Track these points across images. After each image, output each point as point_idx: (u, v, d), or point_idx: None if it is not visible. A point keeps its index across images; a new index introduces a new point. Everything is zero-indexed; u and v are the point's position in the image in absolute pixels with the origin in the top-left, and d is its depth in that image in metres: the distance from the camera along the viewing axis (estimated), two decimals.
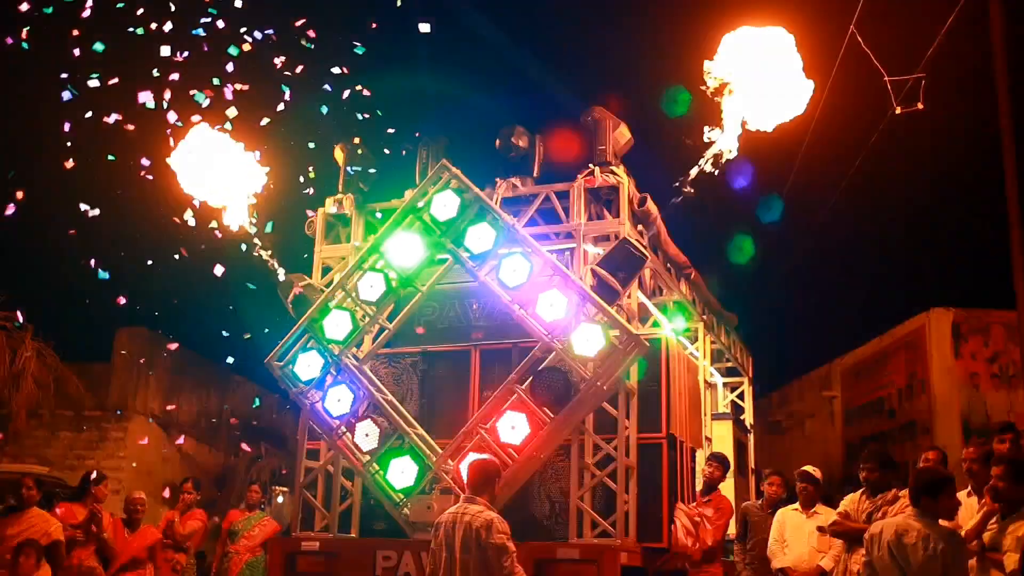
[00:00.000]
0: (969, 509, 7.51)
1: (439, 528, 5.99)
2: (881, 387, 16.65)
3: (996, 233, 15.05)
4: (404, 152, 8.47)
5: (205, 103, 8.23)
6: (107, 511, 9.10)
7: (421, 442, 7.97)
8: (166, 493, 14.18)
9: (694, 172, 7.54)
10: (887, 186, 16.12)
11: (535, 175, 8.71)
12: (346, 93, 8.47)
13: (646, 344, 7.64)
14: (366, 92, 8.18)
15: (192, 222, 8.42)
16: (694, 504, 8.56)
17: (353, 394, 8.14)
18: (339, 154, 9.07)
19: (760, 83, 7.43)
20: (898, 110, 9.23)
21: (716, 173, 7.55)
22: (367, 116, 8.67)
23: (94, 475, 9.51)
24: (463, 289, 8.72)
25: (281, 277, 8.80)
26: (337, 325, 8.30)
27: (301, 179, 8.80)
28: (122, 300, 7.48)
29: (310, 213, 9.38)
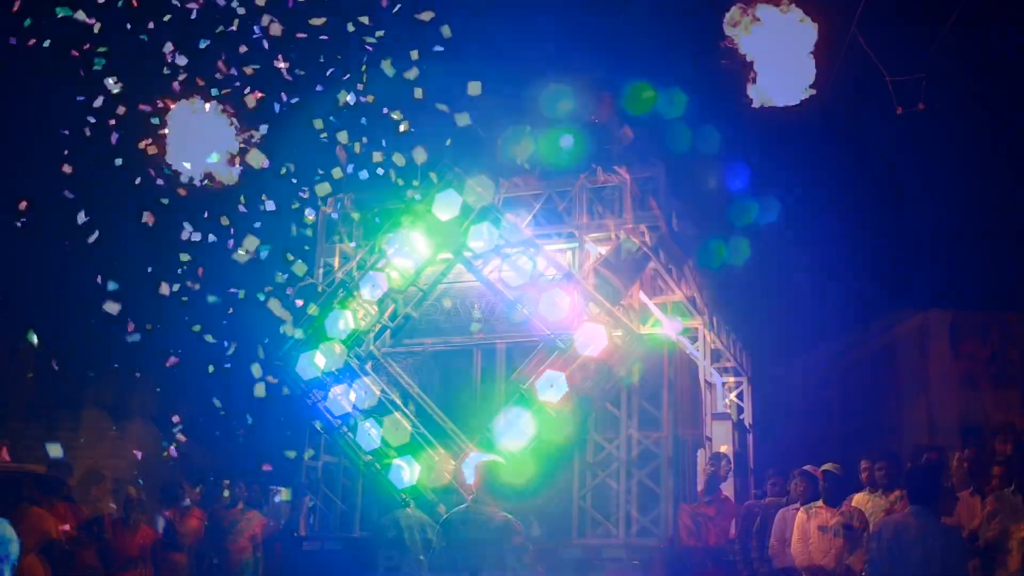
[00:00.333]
0: (971, 509, 7.52)
1: (449, 528, 5.92)
2: (877, 385, 16.68)
3: (996, 235, 15.13)
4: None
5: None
6: (106, 511, 9.07)
7: (424, 441, 7.96)
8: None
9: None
10: (886, 185, 16.10)
11: (536, 175, 8.70)
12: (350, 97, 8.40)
13: (649, 343, 7.65)
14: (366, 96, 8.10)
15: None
16: (696, 504, 8.55)
17: (356, 393, 8.14)
18: (340, 153, 9.04)
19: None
20: (899, 110, 9.19)
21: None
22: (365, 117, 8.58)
23: (93, 475, 9.47)
24: (463, 288, 8.72)
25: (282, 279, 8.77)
26: (339, 324, 8.30)
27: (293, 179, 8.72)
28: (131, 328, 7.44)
29: (309, 212, 9.34)
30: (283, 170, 8.24)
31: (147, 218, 7.37)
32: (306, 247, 9.11)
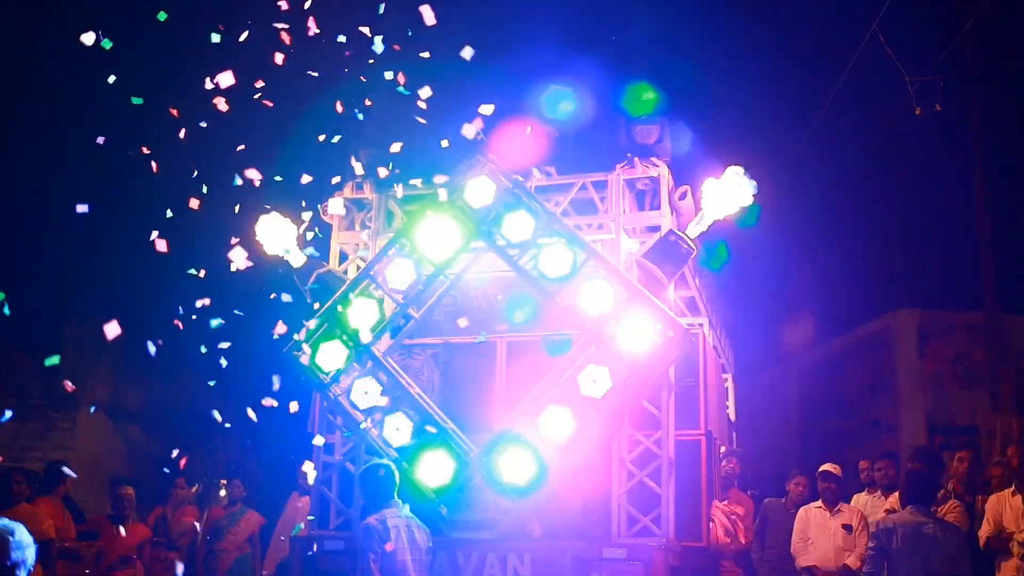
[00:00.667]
0: (1015, 509, 7.58)
1: None
2: (843, 386, 16.89)
3: (962, 235, 15.44)
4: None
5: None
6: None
7: (458, 437, 7.66)
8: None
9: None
10: (854, 186, 16.32)
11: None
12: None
13: (692, 338, 7.49)
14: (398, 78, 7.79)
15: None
16: (728, 502, 8.47)
17: (381, 386, 7.79)
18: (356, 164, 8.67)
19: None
20: (917, 111, 9.29)
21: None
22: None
23: (64, 468, 9.01)
24: (487, 279, 8.45)
25: (297, 263, 8.38)
26: (363, 314, 7.92)
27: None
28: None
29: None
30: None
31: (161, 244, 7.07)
32: (318, 232, 8.73)
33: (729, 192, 7.52)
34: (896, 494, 8.45)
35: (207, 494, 10.43)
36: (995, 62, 13.17)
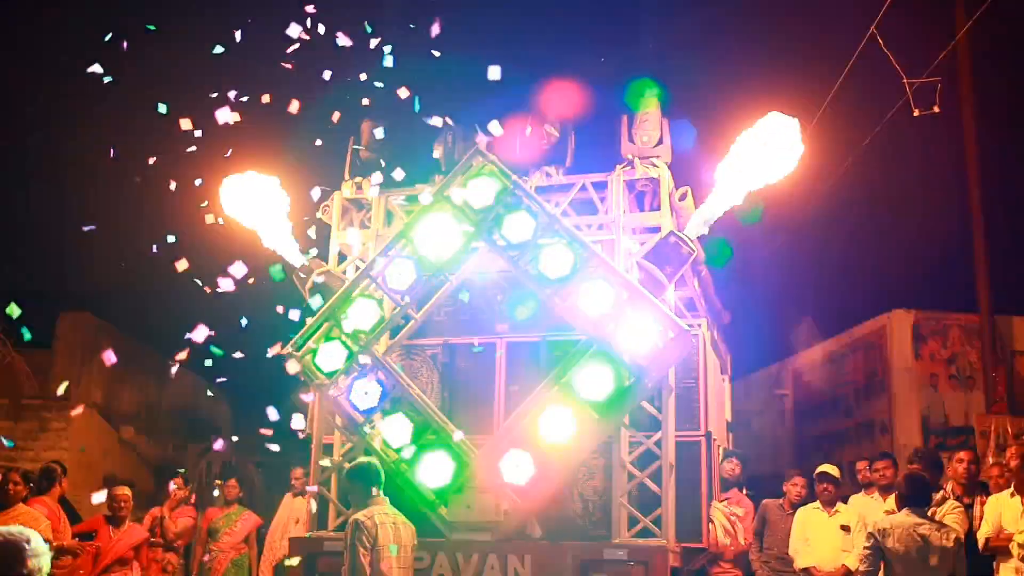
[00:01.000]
0: (1014, 510, 7.59)
1: None
2: (837, 387, 16.92)
3: (956, 236, 15.49)
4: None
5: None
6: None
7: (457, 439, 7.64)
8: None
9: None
10: (850, 187, 16.34)
11: (568, 164, 8.47)
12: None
13: (693, 339, 7.49)
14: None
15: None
16: (728, 502, 8.47)
17: (381, 387, 7.77)
18: (363, 132, 8.66)
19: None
20: (916, 112, 9.31)
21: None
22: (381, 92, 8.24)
23: (59, 468, 8.97)
24: (486, 280, 8.43)
25: (296, 263, 8.35)
26: (363, 314, 7.90)
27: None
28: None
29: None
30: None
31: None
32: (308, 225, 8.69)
33: (774, 141, 7.28)
34: (894, 495, 8.45)
35: (201, 494, 10.39)
36: (988, 62, 13.22)
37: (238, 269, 7.39)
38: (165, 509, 9.67)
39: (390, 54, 7.48)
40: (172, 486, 9.84)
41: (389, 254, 8.00)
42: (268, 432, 7.13)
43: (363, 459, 7.15)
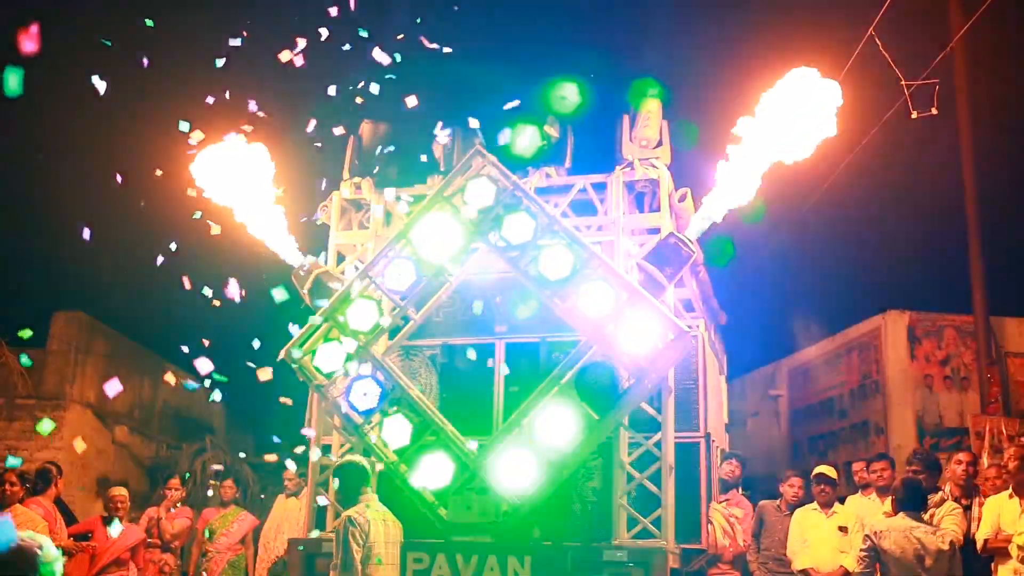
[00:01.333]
0: (1013, 511, 7.60)
1: None
2: (832, 387, 16.94)
3: (951, 237, 15.52)
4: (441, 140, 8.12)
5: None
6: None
7: (457, 440, 7.62)
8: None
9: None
10: (846, 188, 16.37)
11: (567, 165, 8.46)
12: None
13: (693, 340, 7.49)
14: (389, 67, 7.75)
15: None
16: (726, 503, 8.47)
17: (380, 387, 7.75)
18: (363, 132, 8.64)
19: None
20: (914, 115, 9.33)
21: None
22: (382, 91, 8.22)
23: (54, 469, 8.94)
24: (485, 281, 8.42)
25: (295, 264, 8.32)
26: (362, 315, 7.88)
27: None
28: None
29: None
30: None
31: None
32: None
33: (808, 98, 6.84)
34: (890, 498, 8.46)
35: (195, 494, 10.37)
36: (983, 64, 13.25)
37: (233, 288, 7.41)
38: (162, 510, 9.63)
39: (390, 63, 7.47)
40: (169, 486, 9.80)
41: (388, 255, 7.99)
42: (272, 458, 7.12)
43: (350, 457, 7.18)
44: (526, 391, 7.64)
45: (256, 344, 7.81)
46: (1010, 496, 7.82)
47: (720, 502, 8.80)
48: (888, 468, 9.00)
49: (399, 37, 7.54)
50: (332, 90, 7.47)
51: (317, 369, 7.86)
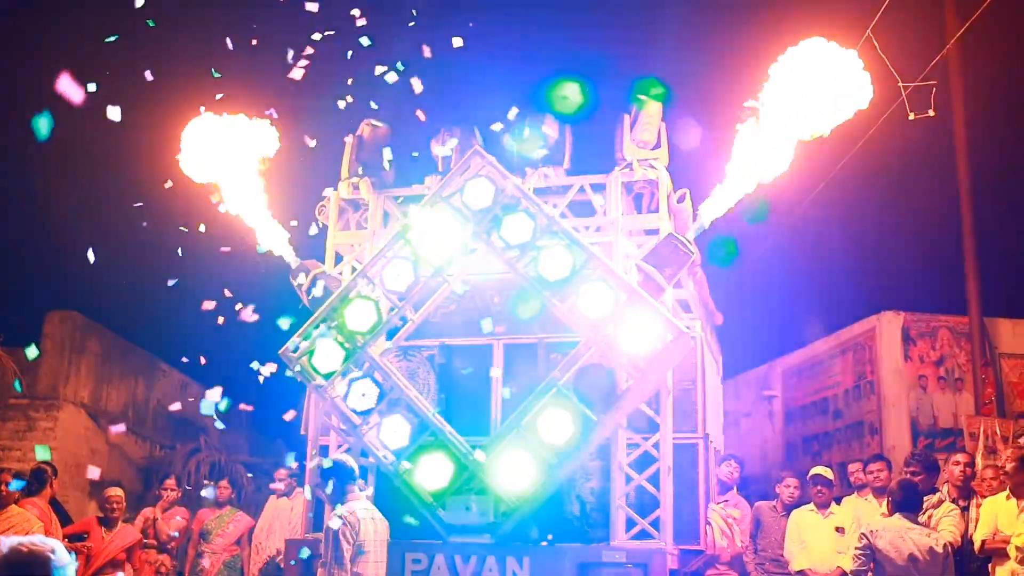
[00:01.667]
0: (1011, 513, 7.62)
1: None
2: (826, 388, 16.95)
3: (945, 238, 15.56)
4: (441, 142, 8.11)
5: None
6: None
7: (455, 440, 7.61)
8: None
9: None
10: (840, 189, 16.39)
11: (566, 166, 8.45)
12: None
13: (692, 341, 7.49)
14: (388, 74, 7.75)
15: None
16: (724, 504, 8.47)
17: (379, 388, 7.73)
18: (364, 131, 8.61)
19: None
20: (911, 116, 9.34)
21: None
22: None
23: (49, 469, 8.90)
24: (483, 281, 8.40)
25: (293, 264, 8.30)
26: (360, 315, 7.85)
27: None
28: None
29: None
30: None
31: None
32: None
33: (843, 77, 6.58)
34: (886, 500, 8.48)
35: (189, 494, 10.34)
36: (979, 66, 13.29)
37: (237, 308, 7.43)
38: (157, 510, 9.60)
39: (391, 70, 7.48)
40: (165, 487, 9.77)
41: (387, 255, 7.97)
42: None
43: (337, 456, 7.19)
44: (524, 392, 7.62)
45: (255, 365, 7.81)
46: (1008, 497, 7.84)
47: (718, 503, 8.80)
48: (885, 469, 9.02)
49: (403, 44, 7.52)
50: (342, 104, 7.45)
51: (315, 369, 7.83)
